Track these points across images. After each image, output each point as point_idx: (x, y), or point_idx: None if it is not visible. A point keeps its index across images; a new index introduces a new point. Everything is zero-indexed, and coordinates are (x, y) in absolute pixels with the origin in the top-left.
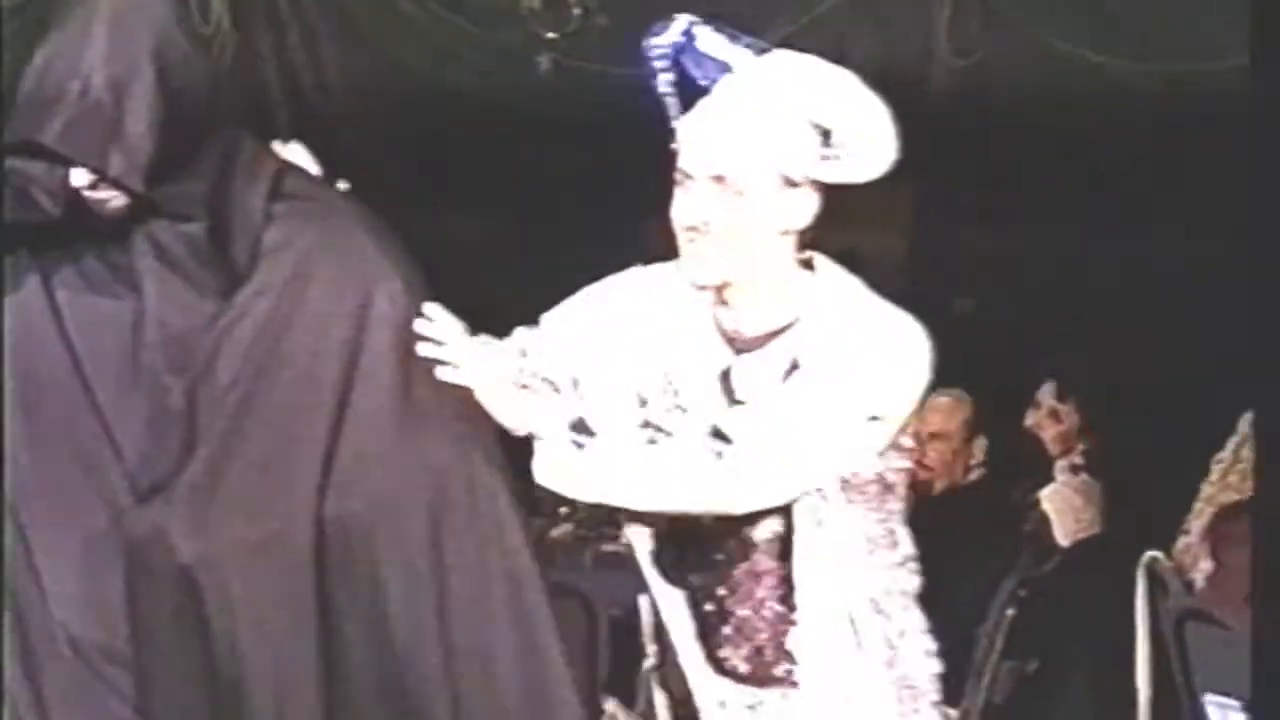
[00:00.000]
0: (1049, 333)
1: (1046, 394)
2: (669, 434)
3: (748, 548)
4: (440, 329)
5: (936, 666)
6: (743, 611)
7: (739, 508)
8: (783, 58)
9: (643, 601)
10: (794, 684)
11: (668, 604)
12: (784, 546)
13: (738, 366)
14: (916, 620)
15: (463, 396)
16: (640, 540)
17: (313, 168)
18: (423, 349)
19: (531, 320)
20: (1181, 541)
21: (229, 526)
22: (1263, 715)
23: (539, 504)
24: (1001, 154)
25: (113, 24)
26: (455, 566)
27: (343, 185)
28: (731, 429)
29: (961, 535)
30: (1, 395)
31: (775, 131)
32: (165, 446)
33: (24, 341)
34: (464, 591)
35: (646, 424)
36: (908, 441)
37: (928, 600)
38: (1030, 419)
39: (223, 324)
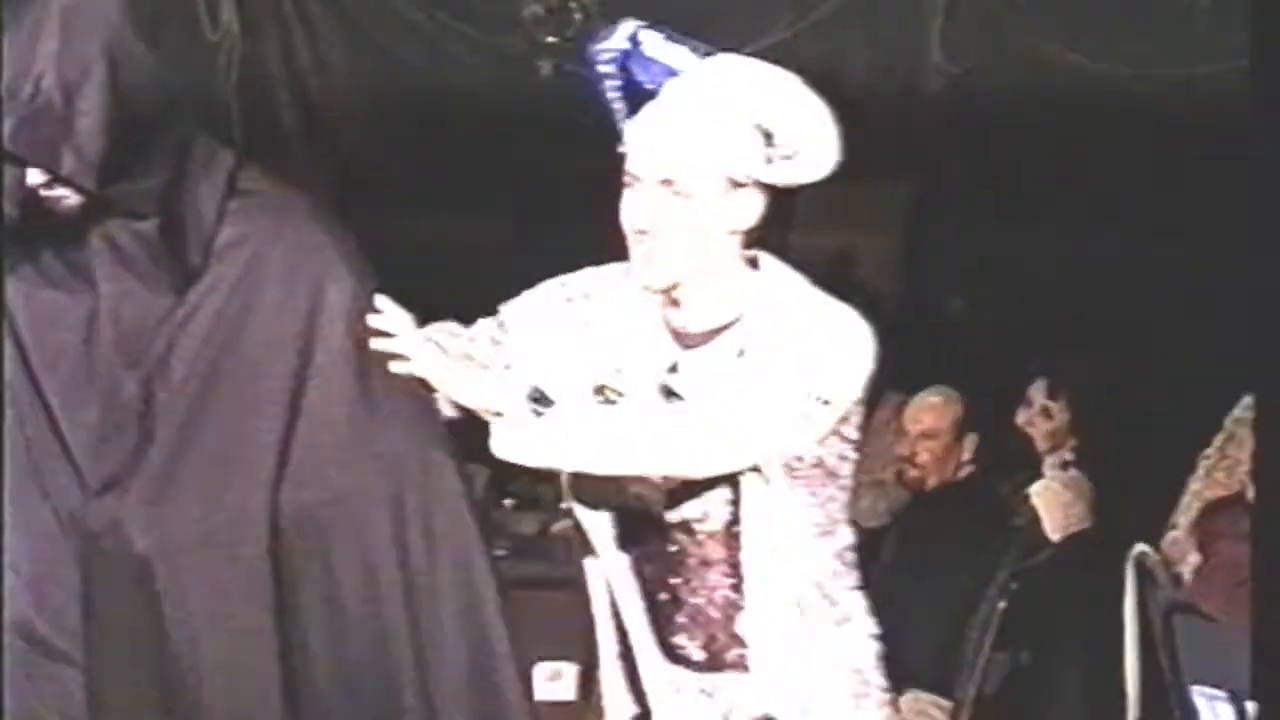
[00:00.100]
0: (1040, 332)
1: (1038, 392)
2: (622, 395)
3: (699, 537)
4: (390, 321)
5: (879, 648)
6: (695, 600)
7: (693, 470)
8: (727, 61)
9: (597, 590)
10: (745, 668)
11: (623, 593)
12: (732, 535)
13: (684, 362)
14: (859, 603)
15: (416, 387)
16: (597, 530)
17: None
18: (374, 342)
19: None
20: (1170, 536)
21: (185, 518)
22: (1262, 715)
23: (507, 494)
24: (994, 158)
25: (64, 24)
26: (411, 554)
27: None
28: (684, 389)
29: (953, 530)
30: None
31: (720, 134)
32: (120, 441)
33: None
34: (418, 579)
35: (600, 389)
36: (853, 433)
37: (921, 594)
38: (1022, 416)
39: (177, 319)
